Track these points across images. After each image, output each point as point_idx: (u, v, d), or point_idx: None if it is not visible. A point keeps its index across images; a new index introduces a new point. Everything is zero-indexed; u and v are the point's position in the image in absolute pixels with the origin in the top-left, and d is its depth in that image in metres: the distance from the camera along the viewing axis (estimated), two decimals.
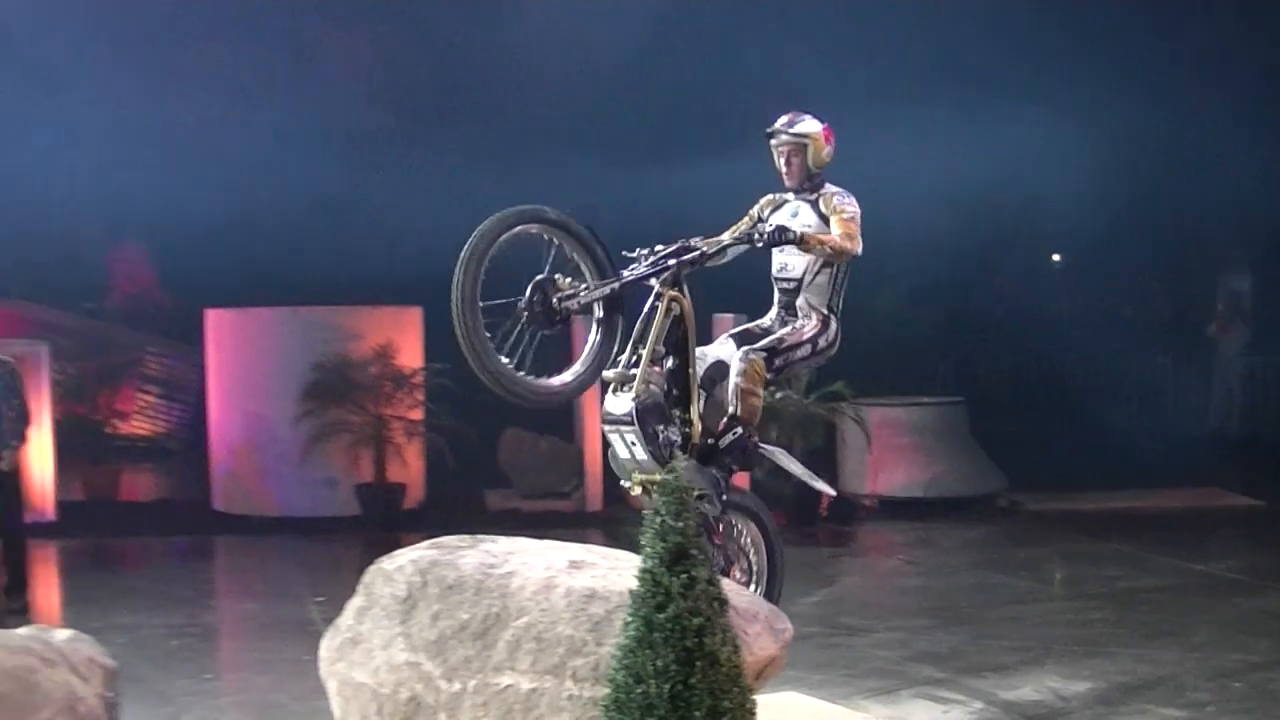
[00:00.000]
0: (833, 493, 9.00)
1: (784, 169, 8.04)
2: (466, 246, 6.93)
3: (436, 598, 6.33)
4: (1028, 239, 23.65)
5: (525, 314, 7.17)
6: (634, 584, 5.29)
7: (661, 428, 7.45)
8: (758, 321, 8.16)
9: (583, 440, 16.58)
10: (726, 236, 7.78)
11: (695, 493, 6.95)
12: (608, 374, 7.46)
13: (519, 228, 7.17)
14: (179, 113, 18.45)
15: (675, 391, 7.66)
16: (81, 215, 15.14)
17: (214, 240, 17.06)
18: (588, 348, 7.58)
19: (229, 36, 18.77)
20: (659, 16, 18.78)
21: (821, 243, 7.73)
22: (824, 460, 15.81)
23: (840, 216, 7.86)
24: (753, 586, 7.91)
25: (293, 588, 12.22)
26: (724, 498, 7.67)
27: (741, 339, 8.03)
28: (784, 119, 8.05)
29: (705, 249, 7.59)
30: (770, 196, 8.14)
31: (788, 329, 8.01)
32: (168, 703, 8.76)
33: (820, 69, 18.77)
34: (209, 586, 13.55)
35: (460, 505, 15.80)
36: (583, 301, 7.34)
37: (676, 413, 7.60)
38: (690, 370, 7.68)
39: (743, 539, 8.07)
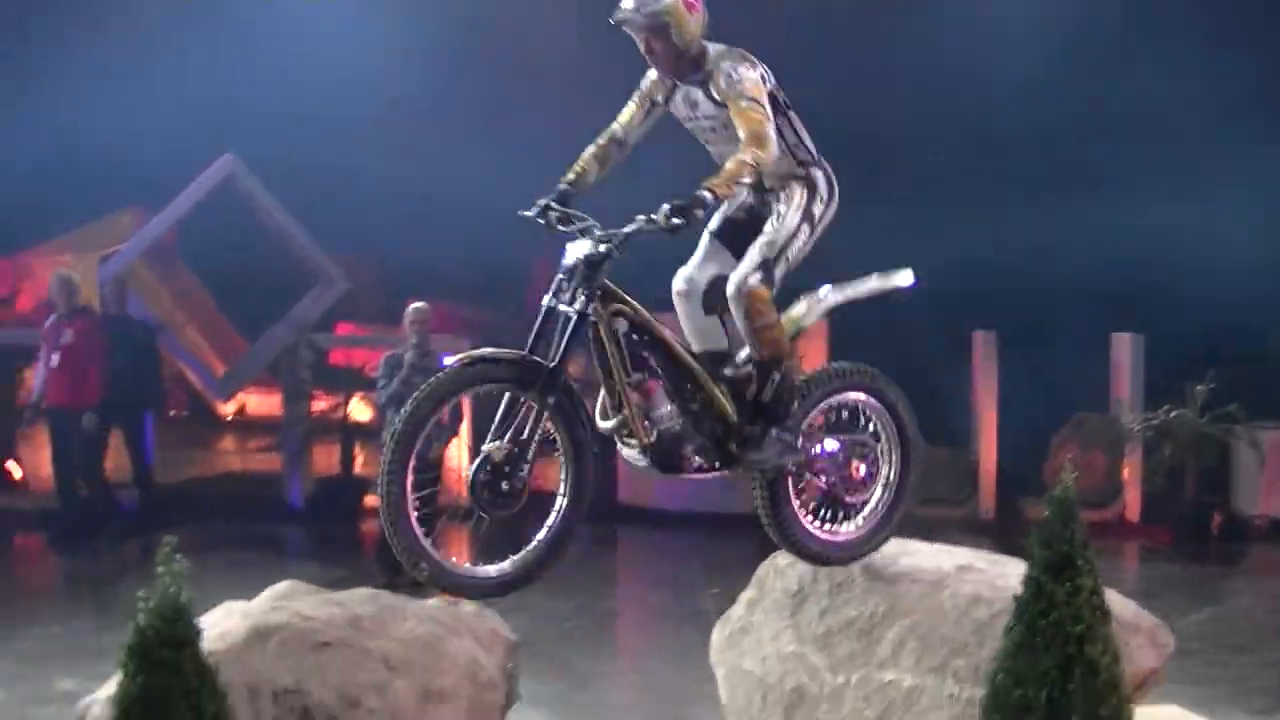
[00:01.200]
0: (909, 281, 7.24)
1: (649, 61, 6.60)
2: (400, 419, 5.76)
3: (826, 594, 6.56)
4: None
5: (468, 510, 5.90)
6: (1019, 589, 5.43)
7: (689, 450, 6.43)
8: (736, 205, 6.74)
9: (978, 448, 16.67)
10: (631, 228, 6.09)
11: (769, 472, 6.57)
12: (603, 426, 6.31)
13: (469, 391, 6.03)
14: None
15: (685, 386, 6.45)
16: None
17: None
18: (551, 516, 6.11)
19: None
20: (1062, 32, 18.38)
21: (733, 180, 6.18)
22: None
23: (738, 106, 6.38)
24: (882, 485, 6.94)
25: (690, 579, 12.58)
26: (800, 445, 6.63)
27: (723, 237, 6.76)
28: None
29: (608, 249, 6.10)
30: (657, 77, 6.67)
31: (771, 224, 6.68)
32: (564, 679, 9.16)
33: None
34: (610, 575, 14.05)
35: None
36: (530, 449, 5.90)
37: (694, 406, 6.41)
38: (680, 360, 6.43)
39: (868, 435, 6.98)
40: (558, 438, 6.11)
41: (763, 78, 6.46)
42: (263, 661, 5.06)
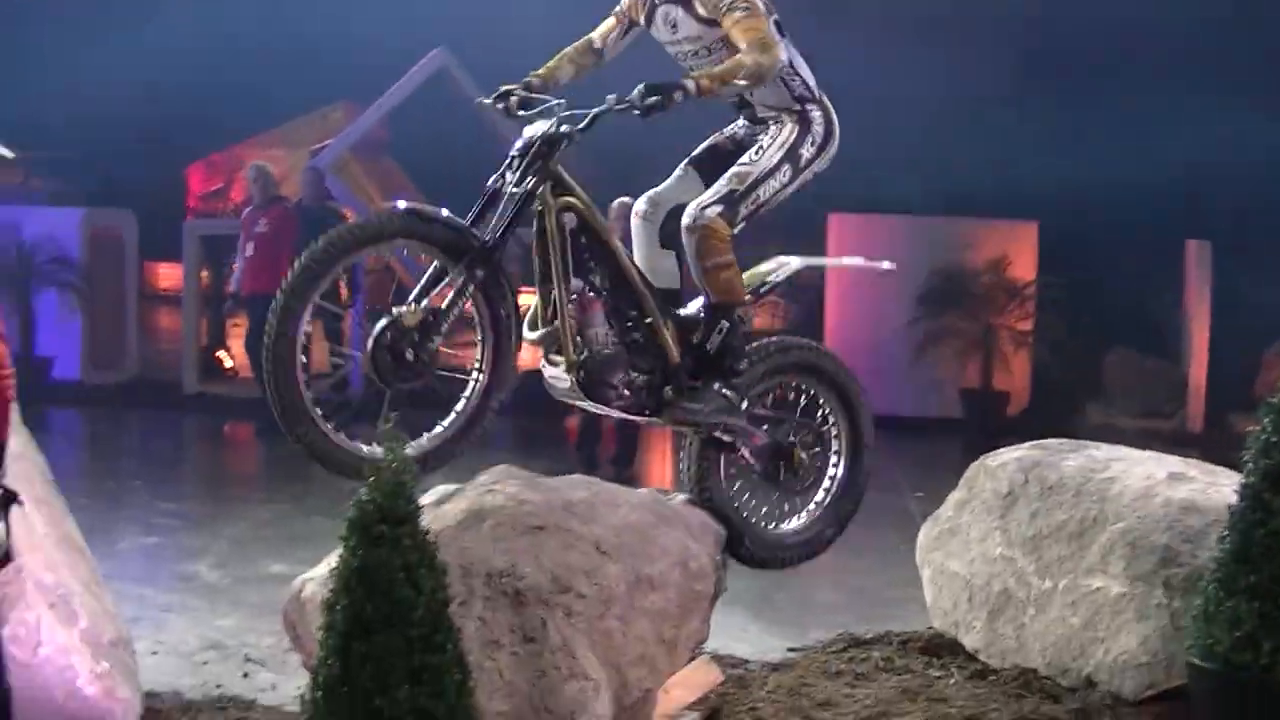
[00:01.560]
0: (890, 266, 6.93)
1: None
2: (292, 275, 5.24)
3: (1037, 496, 6.50)
4: None
5: (374, 376, 5.36)
6: (1233, 499, 5.33)
7: (620, 379, 5.85)
8: (727, 132, 6.39)
9: (1187, 361, 16.39)
10: (600, 108, 5.61)
11: (709, 428, 6.09)
12: (529, 336, 5.78)
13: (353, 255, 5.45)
14: None
15: (624, 310, 5.90)
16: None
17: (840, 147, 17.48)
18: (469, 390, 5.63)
19: None
20: None
21: (723, 79, 5.68)
22: None
23: (732, 17, 5.83)
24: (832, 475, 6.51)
25: (893, 482, 12.53)
26: (743, 409, 6.12)
27: (702, 168, 6.26)
28: None
29: (569, 130, 5.59)
30: None
31: (749, 155, 6.10)
32: (765, 577, 9.11)
33: None
34: None
35: (1061, 417, 15.79)
36: (446, 322, 5.42)
37: (635, 335, 5.90)
38: (629, 278, 5.91)
39: (821, 416, 6.53)
40: (478, 317, 5.64)
41: None
42: (477, 543, 5.14)
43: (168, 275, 19.96)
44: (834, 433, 6.56)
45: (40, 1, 19.11)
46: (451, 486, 5.70)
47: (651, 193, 6.27)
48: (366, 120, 17.27)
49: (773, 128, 6.19)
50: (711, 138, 6.36)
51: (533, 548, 5.19)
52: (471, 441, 5.61)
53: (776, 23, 5.96)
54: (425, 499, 5.18)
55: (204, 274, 17.68)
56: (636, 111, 5.58)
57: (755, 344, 6.32)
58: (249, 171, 15.03)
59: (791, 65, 6.09)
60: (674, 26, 6.02)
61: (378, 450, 4.84)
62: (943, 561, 6.87)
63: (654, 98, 5.54)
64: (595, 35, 6.26)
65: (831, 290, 17.02)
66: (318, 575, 5.26)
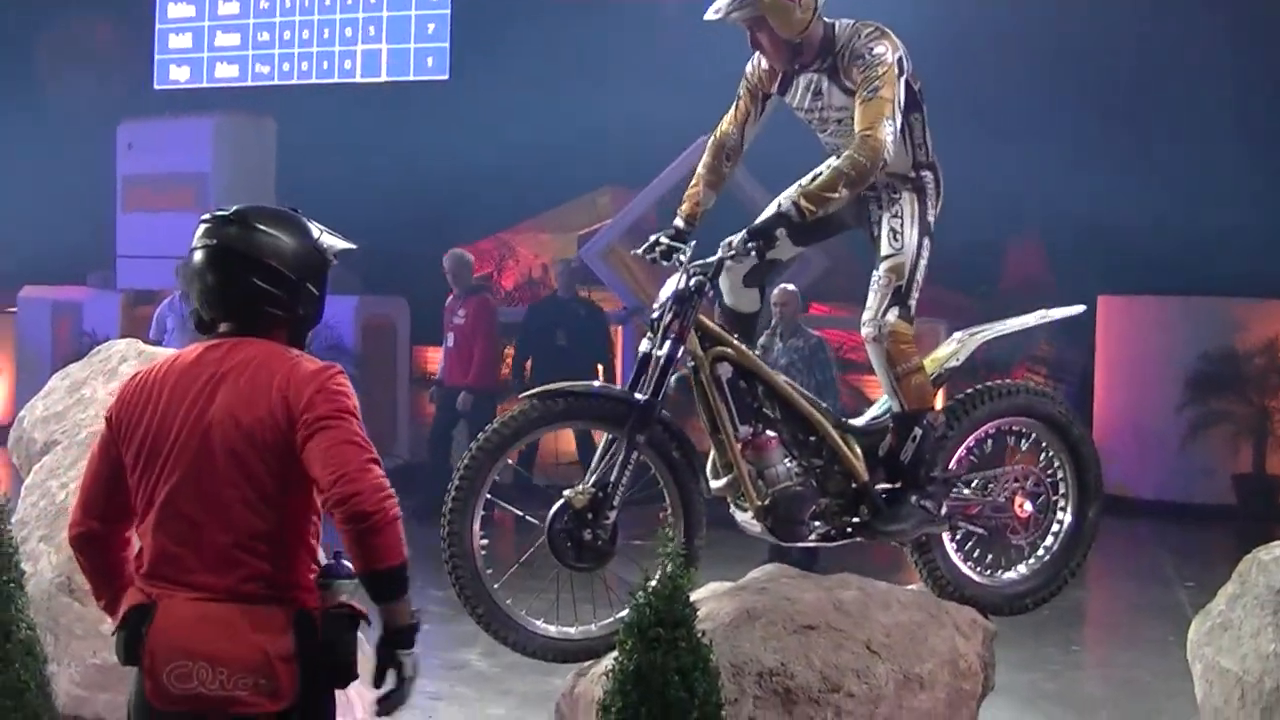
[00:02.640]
0: (1080, 310, 6.43)
1: (762, 56, 5.92)
2: (461, 470, 5.42)
3: None
4: None
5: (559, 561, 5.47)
6: None
7: (809, 512, 5.71)
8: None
9: None
10: (716, 256, 5.63)
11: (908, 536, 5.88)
12: (715, 485, 5.77)
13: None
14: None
15: (806, 439, 5.79)
16: (981, 206, 15.64)
17: (1105, 229, 17.29)
18: None
19: None
20: None
21: (824, 196, 5.52)
22: None
23: (863, 96, 5.60)
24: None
25: (1162, 571, 12.33)
26: (943, 514, 5.92)
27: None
28: None
29: (701, 281, 5.54)
30: (766, 66, 5.98)
31: (888, 244, 5.81)
32: (1035, 669, 9.11)
33: None
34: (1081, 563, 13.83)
35: None
36: (618, 494, 5.44)
37: (816, 462, 5.76)
38: (798, 408, 5.78)
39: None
40: (656, 471, 5.62)
41: (900, 61, 5.71)
42: (749, 642, 5.25)
43: (435, 358, 20.46)
44: (1059, 476, 6.34)
45: (323, 92, 19.92)
46: (724, 585, 5.83)
47: (865, 314, 5.94)
48: (636, 207, 17.48)
49: (893, 204, 5.92)
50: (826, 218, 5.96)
51: (803, 647, 5.28)
52: None
53: (907, 85, 5.75)
54: (697, 595, 5.30)
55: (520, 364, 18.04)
56: (744, 256, 5.63)
57: (956, 399, 6.15)
58: (446, 261, 14.65)
59: (924, 132, 5.93)
60: (818, 94, 5.88)
61: (551, 629, 5.40)
62: (1214, 657, 6.75)
63: (753, 243, 5.58)
64: (725, 131, 6.14)
65: (1100, 373, 16.81)
66: (592, 673, 5.42)
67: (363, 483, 3.79)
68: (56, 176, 19.30)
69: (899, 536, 5.90)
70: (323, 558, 4.06)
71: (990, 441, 6.26)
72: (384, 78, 19.73)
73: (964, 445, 6.15)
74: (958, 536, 6.17)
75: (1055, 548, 6.34)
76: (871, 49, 5.66)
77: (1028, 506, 6.20)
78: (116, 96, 19.49)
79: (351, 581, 3.93)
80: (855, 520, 5.84)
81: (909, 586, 6.22)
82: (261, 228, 4.05)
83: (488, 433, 5.42)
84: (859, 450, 5.84)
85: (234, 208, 4.12)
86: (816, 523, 5.76)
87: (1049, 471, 6.32)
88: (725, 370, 5.68)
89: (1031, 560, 6.31)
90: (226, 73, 20.24)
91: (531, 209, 20.12)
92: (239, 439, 3.88)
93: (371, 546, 3.79)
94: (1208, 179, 16.70)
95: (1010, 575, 6.30)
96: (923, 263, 5.87)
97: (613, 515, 5.43)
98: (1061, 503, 6.34)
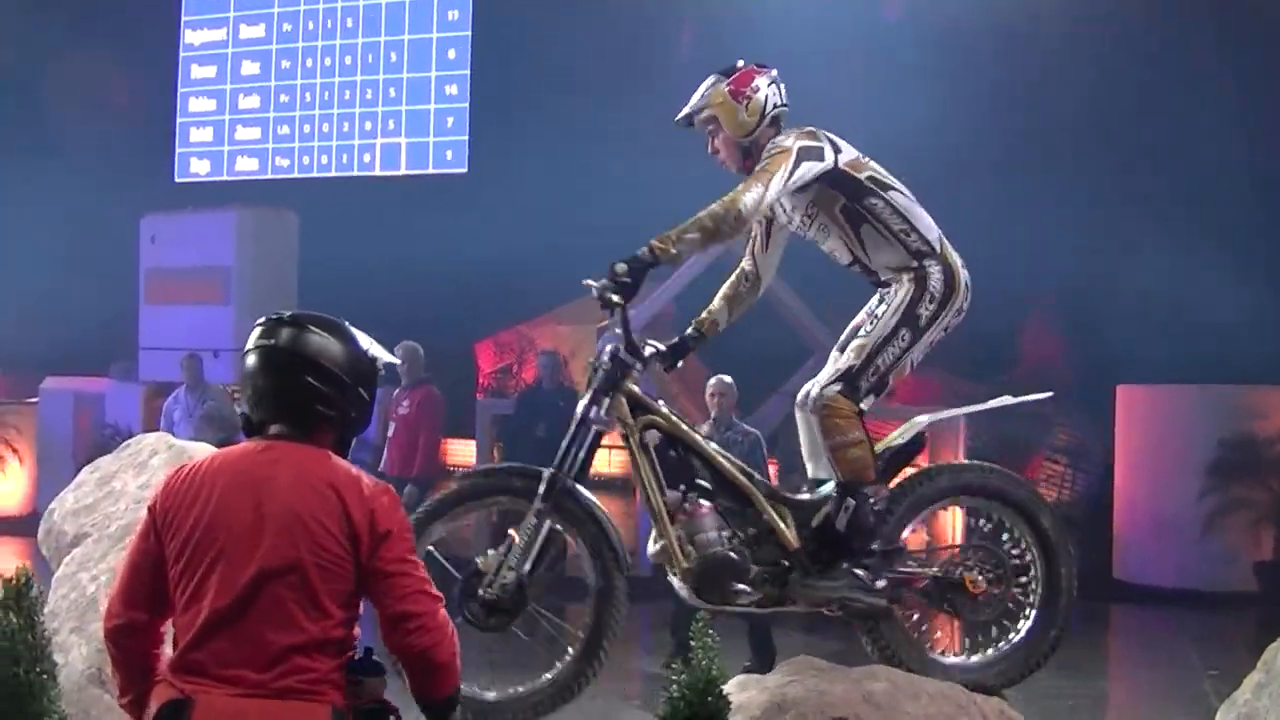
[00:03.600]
0: (1046, 395, 6.44)
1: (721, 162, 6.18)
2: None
3: None
4: None
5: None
6: None
7: (736, 578, 5.78)
8: (868, 308, 6.19)
9: None
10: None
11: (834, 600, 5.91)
12: (651, 550, 5.91)
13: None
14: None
15: (733, 506, 5.90)
16: (996, 290, 15.58)
17: (1125, 318, 17.29)
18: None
19: None
20: None
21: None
22: None
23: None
24: None
25: (1185, 659, 12.27)
26: (882, 585, 5.90)
27: (844, 347, 6.13)
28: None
29: (615, 348, 5.82)
30: None
31: (865, 326, 6.01)
32: None
33: None
34: (1104, 651, 13.81)
35: None
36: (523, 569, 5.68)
37: (751, 530, 5.87)
38: (729, 478, 5.91)
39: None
40: (577, 545, 5.85)
41: (808, 150, 5.86)
42: None
43: (460, 451, 20.47)
44: (1026, 561, 6.21)
45: (344, 184, 20.09)
46: (754, 677, 5.85)
47: (809, 383, 6.15)
48: (656, 301, 17.48)
49: (891, 291, 6.05)
50: (857, 317, 6.22)
51: None
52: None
53: (843, 171, 5.91)
54: (727, 687, 5.31)
55: (495, 452, 18.09)
56: (614, 296, 5.69)
57: (904, 477, 6.18)
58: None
59: (906, 220, 6.01)
60: (784, 206, 6.13)
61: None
62: None
63: (612, 294, 5.70)
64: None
65: (1120, 461, 16.82)
66: None
67: (440, 633, 4.04)
68: (78, 268, 19.47)
69: (824, 599, 5.92)
70: None
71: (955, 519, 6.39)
72: (403, 171, 19.91)
73: (915, 522, 6.20)
74: (914, 617, 6.20)
75: (1020, 638, 6.25)
76: (776, 140, 5.91)
77: (981, 584, 6.10)
78: (137, 189, 19.66)
79: (381, 678, 4.04)
80: (784, 588, 5.92)
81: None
82: (315, 330, 4.17)
83: (415, 515, 5.50)
84: (792, 520, 5.93)
85: (288, 312, 4.23)
86: (743, 587, 5.82)
87: (1014, 555, 6.22)
88: (653, 437, 5.84)
89: (998, 647, 6.25)
90: (247, 166, 20.48)
91: (551, 302, 20.14)
92: (297, 545, 3.95)
93: (436, 681, 4.06)
94: (1223, 266, 16.73)
95: (974, 659, 6.24)
96: (891, 350, 5.96)
97: (511, 576, 5.64)
98: (1027, 592, 6.25)
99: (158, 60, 20.90)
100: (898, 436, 6.15)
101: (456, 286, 19.17)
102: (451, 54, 19.69)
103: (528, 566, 5.66)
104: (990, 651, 6.23)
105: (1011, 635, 6.24)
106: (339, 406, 4.15)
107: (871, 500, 5.91)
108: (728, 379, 11.35)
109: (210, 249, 17.50)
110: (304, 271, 17.92)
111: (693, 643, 4.50)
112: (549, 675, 5.82)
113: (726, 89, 5.99)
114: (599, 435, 5.83)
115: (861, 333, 6.03)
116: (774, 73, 6.12)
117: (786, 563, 5.89)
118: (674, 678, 4.45)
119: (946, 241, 6.12)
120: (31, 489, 18.69)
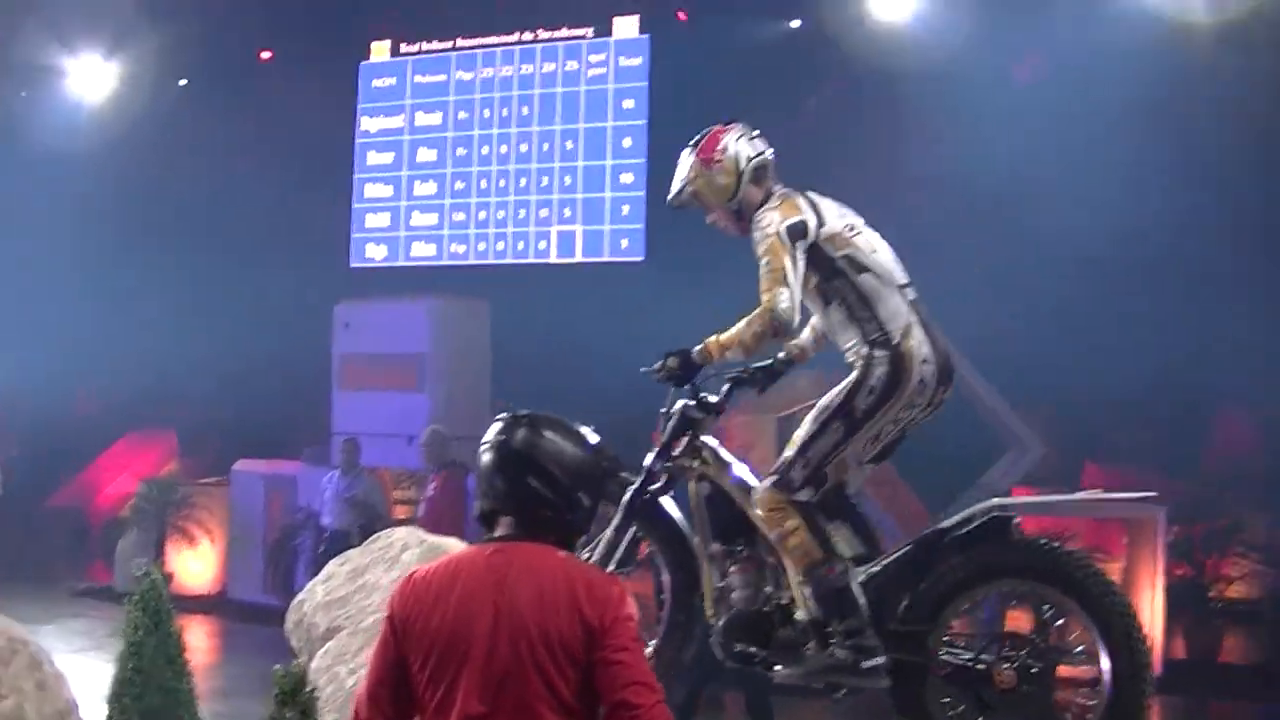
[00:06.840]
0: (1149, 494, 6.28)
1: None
2: None
3: None
4: None
5: None
6: None
7: (752, 638, 5.95)
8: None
9: None
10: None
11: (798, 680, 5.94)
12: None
13: None
14: None
15: (773, 571, 6.13)
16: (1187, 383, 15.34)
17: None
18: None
19: None
20: None
21: (724, 346, 6.08)
22: None
23: (760, 263, 6.04)
24: None
25: None
26: (864, 666, 5.80)
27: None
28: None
29: (672, 402, 6.26)
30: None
31: (811, 414, 6.10)
32: None
33: None
34: None
35: None
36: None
37: (784, 599, 6.01)
38: (761, 535, 6.08)
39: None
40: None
41: (792, 228, 6.00)
42: None
43: None
44: (1080, 654, 5.88)
45: (528, 271, 20.32)
46: None
47: None
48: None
49: (844, 381, 6.10)
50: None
51: None
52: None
53: (816, 246, 6.02)
54: None
55: None
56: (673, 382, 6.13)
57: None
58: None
59: (866, 303, 6.04)
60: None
61: None
62: None
63: (669, 373, 6.19)
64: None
65: None
66: None
67: None
68: (266, 355, 19.82)
69: (806, 675, 5.96)
70: None
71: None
72: (578, 258, 20.06)
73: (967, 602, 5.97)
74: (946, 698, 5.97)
75: None
76: (759, 220, 6.06)
77: (1009, 678, 5.80)
78: (320, 277, 20.04)
79: None
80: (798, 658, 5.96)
81: None
82: (546, 434, 4.31)
83: None
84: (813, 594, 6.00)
85: (526, 411, 4.39)
86: (759, 650, 5.95)
87: (1056, 648, 5.94)
88: (704, 488, 6.15)
89: None
90: (423, 251, 20.73)
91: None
92: (545, 650, 4.06)
93: None
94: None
95: None
96: (822, 443, 6.05)
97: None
98: (1089, 683, 5.82)
99: (332, 146, 21.22)
100: (960, 523, 5.96)
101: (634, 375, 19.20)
102: (627, 142, 19.84)
103: None
104: None
105: None
106: (558, 510, 4.28)
107: (828, 581, 5.90)
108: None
109: (405, 336, 17.85)
110: (497, 357, 18.30)
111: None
112: None
113: (697, 161, 6.16)
114: (666, 484, 6.18)
115: (805, 422, 6.09)
116: (740, 126, 6.26)
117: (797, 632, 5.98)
118: None
119: (918, 332, 6.06)
120: (220, 569, 19.00)
